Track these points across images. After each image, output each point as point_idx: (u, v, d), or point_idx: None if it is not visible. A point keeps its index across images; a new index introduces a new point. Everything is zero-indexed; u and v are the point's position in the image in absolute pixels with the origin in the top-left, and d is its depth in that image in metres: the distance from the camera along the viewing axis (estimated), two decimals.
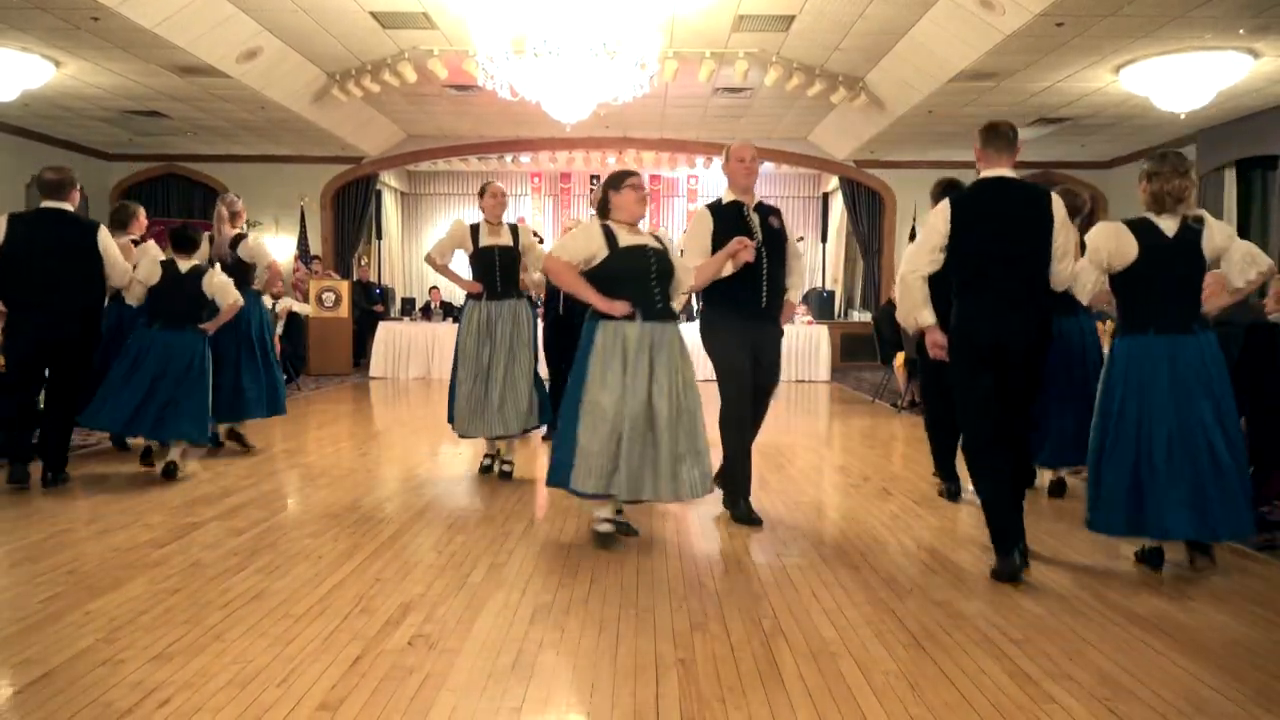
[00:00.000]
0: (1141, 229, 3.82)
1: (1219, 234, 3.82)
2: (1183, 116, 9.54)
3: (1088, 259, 3.95)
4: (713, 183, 17.09)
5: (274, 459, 6.46)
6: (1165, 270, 3.80)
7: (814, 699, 2.67)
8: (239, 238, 6.62)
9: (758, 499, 4.98)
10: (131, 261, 5.95)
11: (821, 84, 10.16)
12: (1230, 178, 11.22)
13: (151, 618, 3.26)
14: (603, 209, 4.36)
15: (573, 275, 4.24)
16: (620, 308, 4.12)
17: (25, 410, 5.45)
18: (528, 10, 7.99)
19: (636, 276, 4.19)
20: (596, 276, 4.22)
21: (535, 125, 12.44)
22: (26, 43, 8.40)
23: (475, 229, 5.84)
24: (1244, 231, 11.15)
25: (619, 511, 4.44)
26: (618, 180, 4.34)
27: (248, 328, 6.52)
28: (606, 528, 4.29)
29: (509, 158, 15.77)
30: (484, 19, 8.22)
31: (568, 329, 6.63)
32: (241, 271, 6.53)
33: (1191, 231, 3.80)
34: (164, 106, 11.02)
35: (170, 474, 5.61)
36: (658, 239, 4.39)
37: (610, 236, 4.24)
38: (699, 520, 4.80)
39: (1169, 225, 3.81)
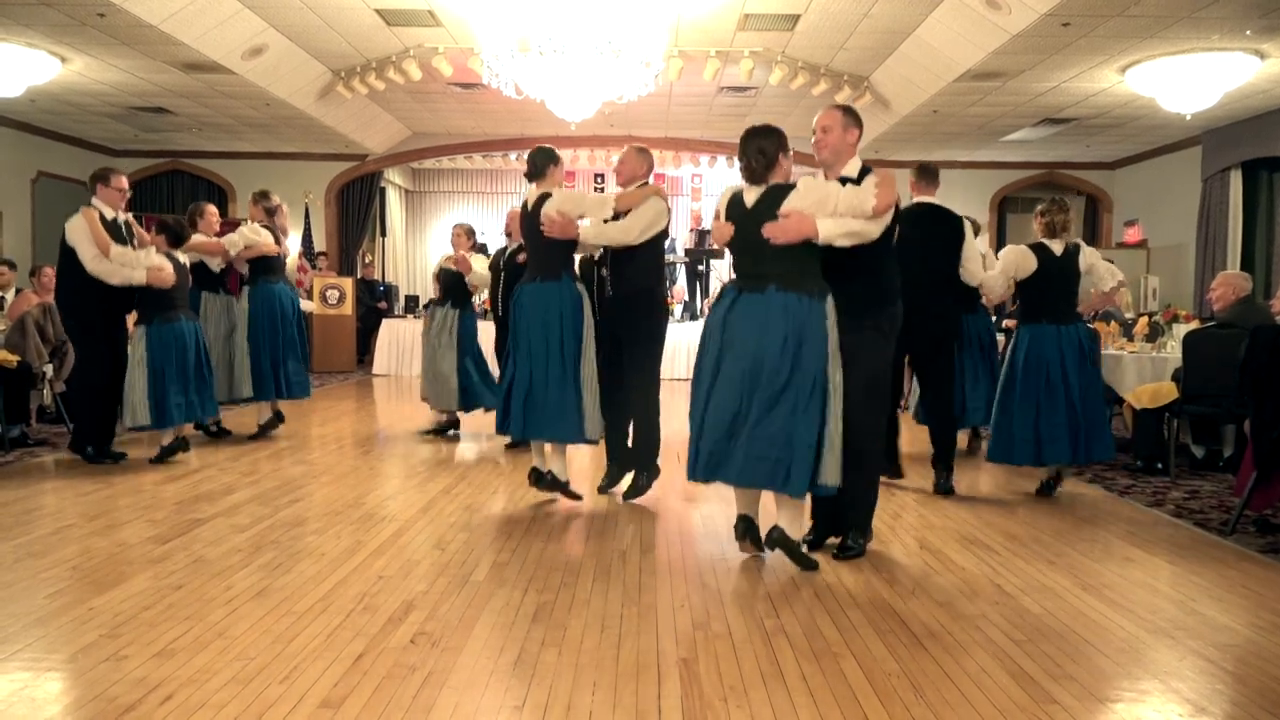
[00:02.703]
0: (1039, 250, 5.26)
1: (1089, 255, 5.31)
2: (1189, 117, 9.51)
3: (999, 270, 5.36)
4: (716, 181, 17.07)
5: (277, 456, 6.47)
6: (1056, 279, 5.24)
7: (816, 699, 2.67)
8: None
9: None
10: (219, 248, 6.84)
11: (826, 83, 10.14)
12: (1236, 179, 11.17)
13: (154, 614, 3.27)
14: None
15: None
16: None
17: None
18: (533, 9, 7.99)
19: None
20: None
21: (540, 123, 12.41)
22: (32, 38, 8.41)
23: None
24: (1250, 233, 11.14)
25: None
26: None
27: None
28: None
29: (513, 155, 15.75)
30: (489, 17, 8.22)
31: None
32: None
33: (1070, 255, 5.26)
34: (169, 103, 11.03)
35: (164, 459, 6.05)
36: None
37: None
38: (701, 519, 4.81)
39: (1058, 247, 5.26)
